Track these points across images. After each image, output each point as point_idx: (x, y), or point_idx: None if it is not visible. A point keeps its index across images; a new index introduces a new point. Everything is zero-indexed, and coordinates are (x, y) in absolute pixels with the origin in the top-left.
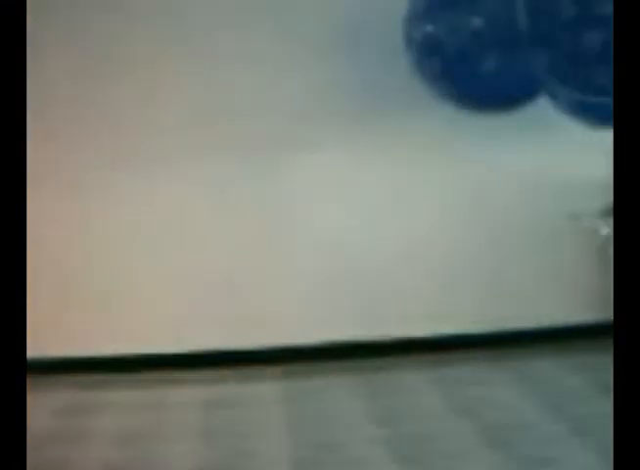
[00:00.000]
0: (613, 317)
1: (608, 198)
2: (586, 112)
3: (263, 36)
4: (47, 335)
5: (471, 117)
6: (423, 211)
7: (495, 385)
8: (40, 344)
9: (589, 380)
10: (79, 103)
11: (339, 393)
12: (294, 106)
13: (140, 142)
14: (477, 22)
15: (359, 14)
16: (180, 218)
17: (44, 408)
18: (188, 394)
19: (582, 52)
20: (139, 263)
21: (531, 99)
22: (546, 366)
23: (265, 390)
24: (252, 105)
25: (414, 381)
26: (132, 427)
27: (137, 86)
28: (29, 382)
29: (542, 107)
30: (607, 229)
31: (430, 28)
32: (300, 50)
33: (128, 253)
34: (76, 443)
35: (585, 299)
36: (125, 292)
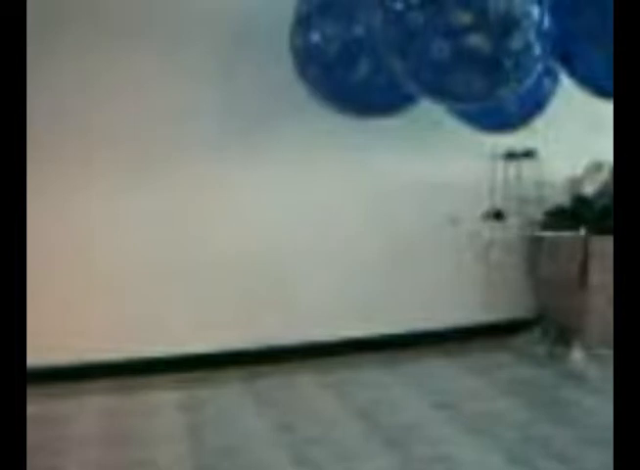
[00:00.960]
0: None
1: (490, 202)
2: (469, 118)
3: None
4: None
5: (352, 121)
6: (303, 214)
7: (390, 387)
8: None
9: (484, 380)
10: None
11: (237, 400)
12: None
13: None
14: (348, 30)
15: (247, 18)
16: None
17: None
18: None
19: (432, 61)
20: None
21: (411, 104)
22: (438, 367)
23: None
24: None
25: (308, 385)
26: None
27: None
28: None
29: (426, 111)
30: (488, 233)
31: (308, 35)
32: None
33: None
34: None
35: (473, 300)
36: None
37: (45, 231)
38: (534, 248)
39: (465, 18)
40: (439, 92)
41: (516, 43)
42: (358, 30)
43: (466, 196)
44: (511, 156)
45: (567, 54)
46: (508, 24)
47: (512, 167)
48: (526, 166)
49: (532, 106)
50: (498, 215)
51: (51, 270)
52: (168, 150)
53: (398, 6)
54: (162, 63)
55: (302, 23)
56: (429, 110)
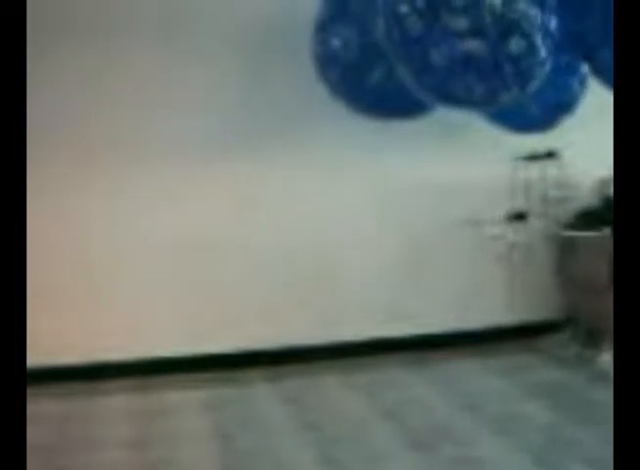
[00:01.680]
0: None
1: (511, 204)
2: (500, 119)
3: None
4: None
5: (373, 123)
6: (332, 216)
7: (418, 388)
8: None
9: (512, 381)
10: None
11: (262, 399)
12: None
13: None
14: (362, 37)
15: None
16: None
17: None
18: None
19: (432, 66)
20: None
21: (427, 107)
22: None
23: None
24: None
25: (335, 385)
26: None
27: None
28: None
29: (447, 113)
30: (511, 235)
31: (327, 41)
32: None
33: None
34: None
35: (501, 302)
36: None
37: (47, 231)
38: (563, 249)
39: (461, 22)
40: (442, 98)
41: (515, 47)
42: (373, 35)
43: (489, 197)
44: (533, 157)
45: (589, 52)
46: (505, 29)
47: (535, 168)
48: (551, 167)
49: (561, 106)
50: (520, 217)
51: (51, 269)
52: (185, 149)
53: (399, 11)
54: (180, 62)
55: (322, 27)
56: (450, 111)
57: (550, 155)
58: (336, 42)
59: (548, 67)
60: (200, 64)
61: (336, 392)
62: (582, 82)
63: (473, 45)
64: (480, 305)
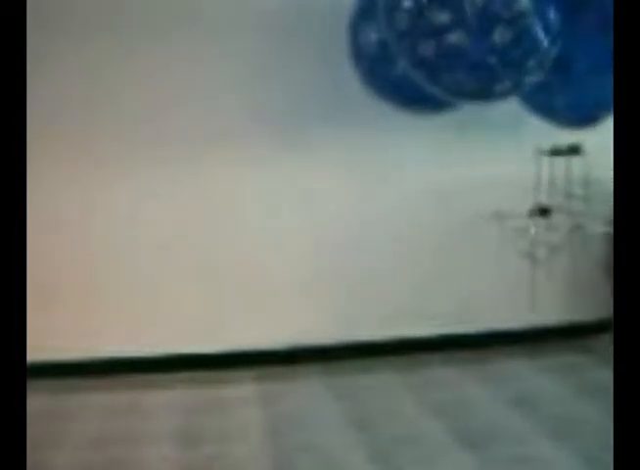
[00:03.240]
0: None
1: (536, 198)
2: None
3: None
4: None
5: (397, 117)
6: (356, 209)
7: (468, 387)
8: None
9: (562, 382)
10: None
11: (315, 396)
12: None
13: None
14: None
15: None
16: None
17: None
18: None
19: (421, 61)
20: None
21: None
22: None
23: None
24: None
25: (387, 382)
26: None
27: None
28: None
29: (470, 106)
30: (534, 229)
31: (358, 32)
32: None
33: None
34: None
35: (551, 300)
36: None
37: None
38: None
39: (443, 16)
40: (442, 91)
41: (499, 38)
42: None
43: (513, 192)
44: (557, 152)
45: None
46: (487, 20)
47: (560, 163)
48: (575, 162)
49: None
50: (544, 212)
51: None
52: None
53: (391, 5)
54: (205, 53)
55: (358, 17)
56: (474, 107)
57: (574, 150)
58: (364, 34)
59: (550, 57)
60: (215, 54)
61: (389, 390)
62: None
63: (456, 38)
64: (534, 302)
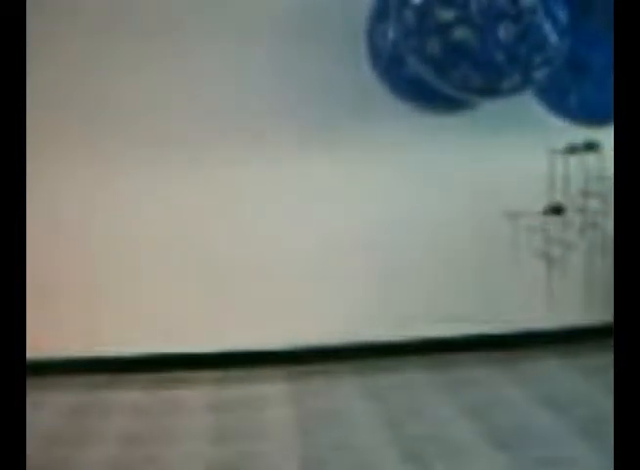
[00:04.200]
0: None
1: (550, 197)
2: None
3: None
4: None
5: (413, 116)
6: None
7: (501, 387)
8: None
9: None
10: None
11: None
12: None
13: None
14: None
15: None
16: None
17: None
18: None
19: (429, 58)
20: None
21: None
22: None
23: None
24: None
25: (419, 381)
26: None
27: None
28: (33, 382)
29: (483, 104)
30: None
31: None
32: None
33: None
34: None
35: (584, 300)
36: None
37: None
38: None
39: (449, 13)
40: (450, 88)
41: (504, 34)
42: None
43: (527, 191)
44: (572, 149)
45: None
46: (492, 16)
47: (574, 161)
48: (591, 159)
49: None
50: (557, 210)
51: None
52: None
53: (402, 5)
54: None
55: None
56: (486, 103)
57: (591, 146)
58: (380, 35)
59: (560, 53)
60: (223, 47)
61: (419, 389)
62: None
63: (461, 34)
64: (567, 302)
